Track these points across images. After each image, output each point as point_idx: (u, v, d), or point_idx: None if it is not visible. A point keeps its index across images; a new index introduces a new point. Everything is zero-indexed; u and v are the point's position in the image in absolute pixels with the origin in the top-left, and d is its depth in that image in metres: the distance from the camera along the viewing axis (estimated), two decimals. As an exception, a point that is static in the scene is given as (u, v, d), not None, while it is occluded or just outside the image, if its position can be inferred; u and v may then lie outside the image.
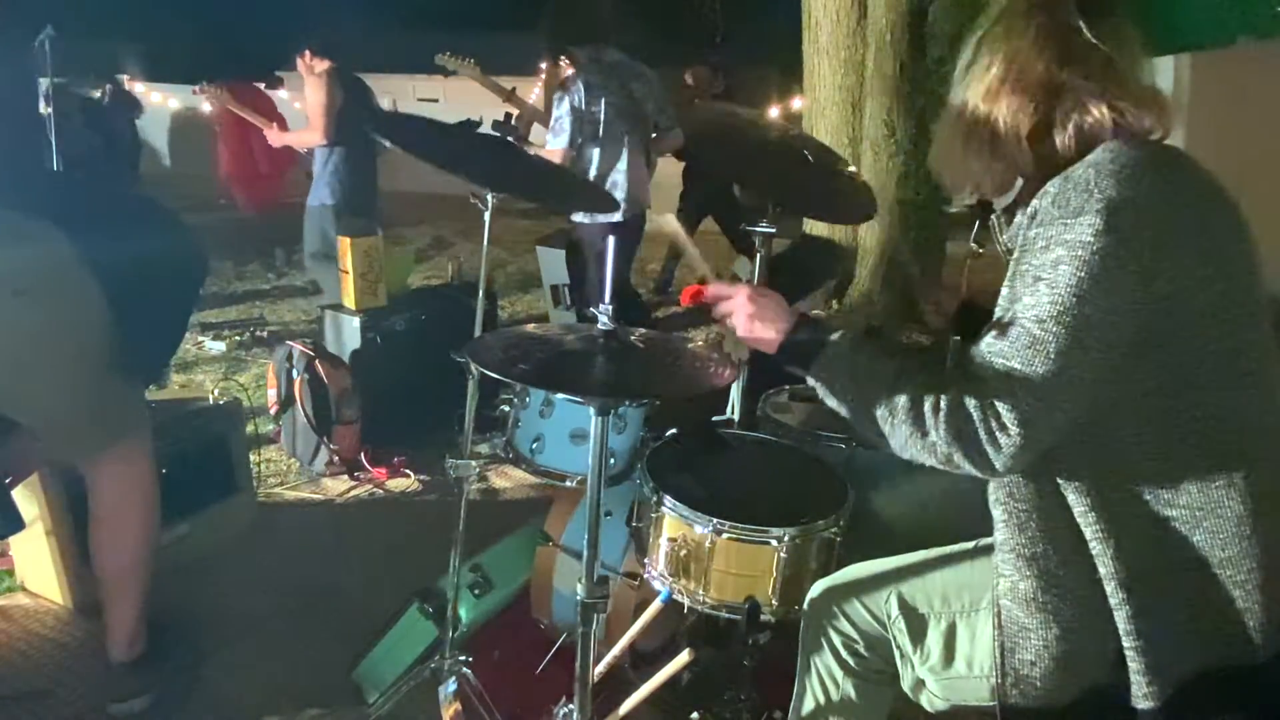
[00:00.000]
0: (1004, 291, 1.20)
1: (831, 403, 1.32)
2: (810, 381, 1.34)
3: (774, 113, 6.35)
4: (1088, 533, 1.18)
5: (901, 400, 1.20)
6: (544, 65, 3.84)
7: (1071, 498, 1.19)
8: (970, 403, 1.14)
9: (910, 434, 1.19)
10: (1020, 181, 1.29)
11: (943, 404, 1.16)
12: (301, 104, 4.34)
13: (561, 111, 3.49)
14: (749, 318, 1.38)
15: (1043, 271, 1.12)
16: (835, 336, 1.32)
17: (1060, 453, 1.17)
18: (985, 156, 1.27)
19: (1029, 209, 1.21)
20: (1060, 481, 1.20)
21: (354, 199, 4.17)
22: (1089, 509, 1.17)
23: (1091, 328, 1.09)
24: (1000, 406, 1.12)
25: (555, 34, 3.68)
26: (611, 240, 1.50)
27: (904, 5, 5.02)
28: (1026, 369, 1.11)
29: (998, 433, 1.12)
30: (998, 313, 1.19)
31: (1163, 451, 1.16)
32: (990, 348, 1.16)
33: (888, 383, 1.23)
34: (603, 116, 3.53)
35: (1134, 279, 1.10)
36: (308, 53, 4.04)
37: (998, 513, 1.26)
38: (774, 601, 1.60)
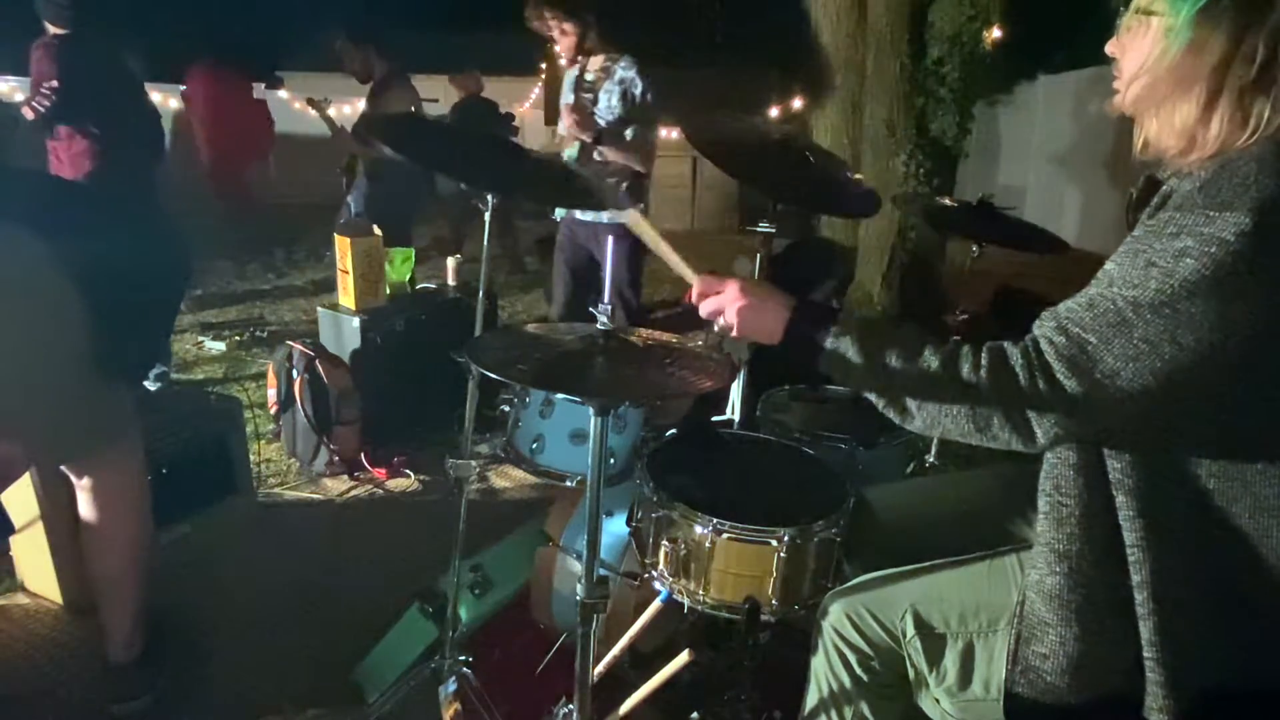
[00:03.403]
0: (1106, 266, 1.09)
1: (848, 383, 1.24)
2: (822, 365, 1.25)
3: (774, 113, 6.36)
4: (1129, 538, 1.13)
5: (933, 365, 1.13)
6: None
7: (1120, 499, 1.13)
8: (1016, 359, 1.09)
9: (943, 401, 1.12)
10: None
11: (984, 361, 1.10)
12: (301, 104, 4.36)
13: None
14: (742, 310, 1.31)
15: (1160, 258, 1.02)
16: (843, 315, 1.24)
17: (1120, 453, 1.12)
18: (1198, 108, 1.06)
19: (1164, 189, 1.11)
20: (1113, 481, 1.14)
21: (399, 213, 4.23)
22: (1136, 514, 1.12)
23: (1193, 329, 1.00)
24: (1057, 372, 1.06)
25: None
26: (611, 240, 1.49)
27: (904, 6, 5.03)
28: (1101, 345, 1.04)
29: (1043, 387, 1.06)
30: (1091, 285, 1.10)
31: (1229, 474, 1.10)
32: (1070, 313, 1.08)
33: (912, 351, 1.16)
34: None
35: (1263, 294, 0.99)
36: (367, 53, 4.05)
37: (1041, 504, 1.22)
38: (774, 601, 1.59)
